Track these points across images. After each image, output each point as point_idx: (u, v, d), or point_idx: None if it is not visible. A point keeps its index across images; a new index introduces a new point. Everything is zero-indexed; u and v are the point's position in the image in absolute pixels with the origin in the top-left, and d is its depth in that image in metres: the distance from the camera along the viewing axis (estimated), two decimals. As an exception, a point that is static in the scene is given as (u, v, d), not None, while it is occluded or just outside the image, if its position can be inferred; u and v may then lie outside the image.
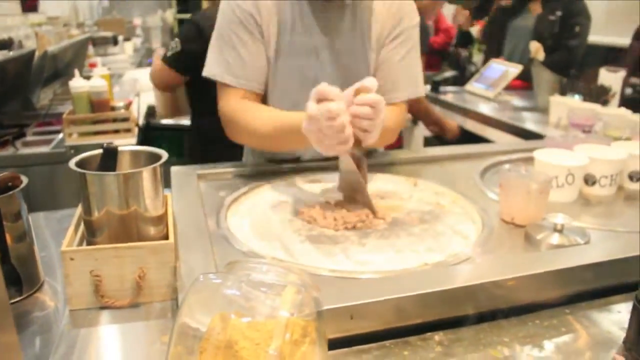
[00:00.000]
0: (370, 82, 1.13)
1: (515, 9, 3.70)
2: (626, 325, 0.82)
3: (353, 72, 1.41)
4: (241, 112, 1.37)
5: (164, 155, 1.04)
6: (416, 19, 1.46)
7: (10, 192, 0.96)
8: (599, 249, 1.04)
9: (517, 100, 3.15)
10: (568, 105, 2.38)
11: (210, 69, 1.40)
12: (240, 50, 1.37)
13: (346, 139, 1.10)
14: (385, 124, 1.19)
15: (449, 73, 3.77)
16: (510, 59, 3.59)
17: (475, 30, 4.24)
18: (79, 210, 1.06)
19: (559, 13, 3.33)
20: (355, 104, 1.11)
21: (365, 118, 1.11)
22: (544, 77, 2.88)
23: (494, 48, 3.87)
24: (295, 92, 1.39)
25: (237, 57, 1.37)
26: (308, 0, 1.38)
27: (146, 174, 0.97)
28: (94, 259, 0.92)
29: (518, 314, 0.91)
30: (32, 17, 4.41)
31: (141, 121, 2.75)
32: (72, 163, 0.99)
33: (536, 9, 3.57)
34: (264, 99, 1.44)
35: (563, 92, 2.70)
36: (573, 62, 3.37)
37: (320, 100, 1.09)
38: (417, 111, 2.87)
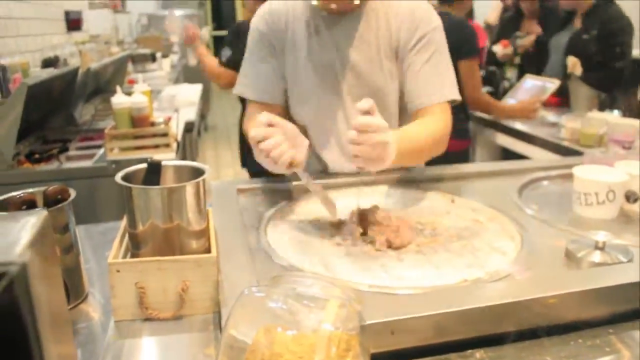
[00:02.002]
0: (362, 104, 1.11)
1: (561, 25, 3.65)
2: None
3: (370, 82, 1.45)
4: (247, 121, 1.50)
5: (207, 170, 1.07)
6: (435, 22, 1.44)
7: (60, 205, 0.99)
8: (643, 267, 1.02)
9: (553, 116, 3.11)
10: (607, 121, 2.34)
11: (236, 87, 1.54)
12: (260, 66, 1.48)
13: (274, 162, 1.16)
14: (418, 135, 1.23)
15: (485, 89, 3.73)
16: (550, 74, 3.54)
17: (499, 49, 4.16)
18: (123, 223, 1.09)
19: (594, 32, 3.27)
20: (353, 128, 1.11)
21: (352, 143, 1.11)
22: (581, 93, 2.84)
23: (532, 64, 3.81)
24: (314, 106, 1.47)
25: (257, 72, 1.49)
26: (322, 16, 1.43)
27: (189, 188, 1.00)
28: (138, 271, 0.95)
29: (560, 333, 0.90)
30: (76, 36, 4.55)
31: (180, 136, 2.81)
32: (118, 177, 1.02)
33: (577, 22, 3.52)
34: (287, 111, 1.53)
35: (602, 108, 2.66)
36: (618, 80, 3.29)
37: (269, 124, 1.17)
38: (486, 109, 3.02)
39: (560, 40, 3.56)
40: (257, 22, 1.49)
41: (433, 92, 1.42)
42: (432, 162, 1.57)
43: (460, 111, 2.58)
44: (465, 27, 2.65)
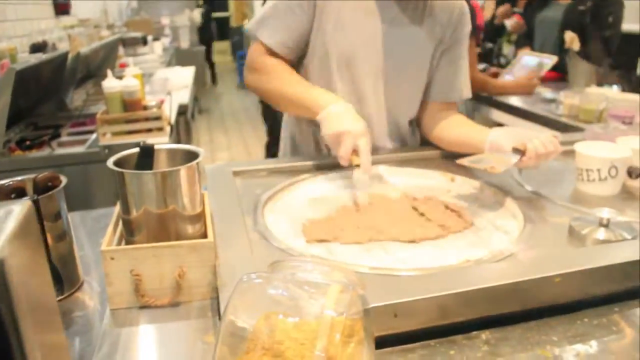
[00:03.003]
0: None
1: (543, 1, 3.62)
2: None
3: (404, 65, 1.49)
4: (272, 65, 1.44)
5: (201, 153, 1.04)
6: (470, 25, 1.54)
7: (51, 192, 0.96)
8: (648, 244, 1.00)
9: (550, 93, 3.08)
10: (606, 97, 2.32)
11: (251, 24, 1.48)
12: (286, 17, 1.42)
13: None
14: None
15: (481, 65, 3.71)
16: (541, 51, 3.51)
17: (511, 22, 4.13)
18: (117, 209, 1.06)
19: (589, 3, 3.24)
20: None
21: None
22: (580, 68, 2.81)
23: (525, 40, 3.79)
24: (336, 68, 1.46)
25: (281, 21, 1.43)
26: None
27: (184, 172, 0.97)
28: (133, 258, 0.92)
29: (565, 312, 0.89)
30: (65, 20, 4.48)
31: (173, 119, 2.77)
32: (110, 162, 0.99)
33: None
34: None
35: (600, 83, 2.63)
36: (609, 52, 3.28)
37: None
38: (482, 87, 3.02)
39: (546, 15, 3.54)
40: None
41: (459, 89, 1.56)
42: (428, 143, 1.61)
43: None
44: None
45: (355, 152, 1.27)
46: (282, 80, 1.42)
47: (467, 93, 1.58)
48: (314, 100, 1.33)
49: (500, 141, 1.30)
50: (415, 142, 1.67)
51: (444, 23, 1.48)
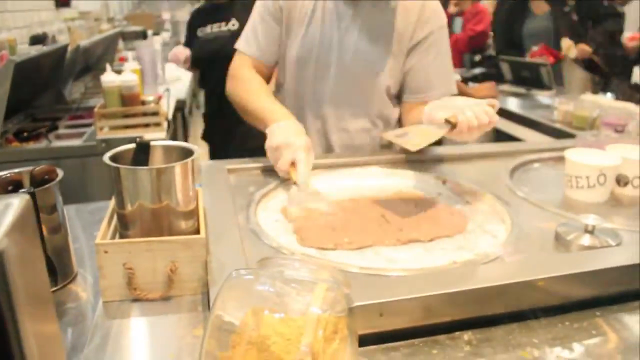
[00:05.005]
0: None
1: (518, 13, 3.66)
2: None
3: (362, 70, 1.49)
4: (246, 77, 1.54)
5: (196, 150, 1.06)
6: (443, 19, 1.51)
7: (47, 185, 0.98)
8: (631, 251, 1.02)
9: (547, 99, 3.11)
10: (600, 104, 2.34)
11: (238, 42, 1.60)
12: (259, 26, 1.54)
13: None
14: None
15: (478, 70, 3.74)
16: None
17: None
18: (112, 203, 1.07)
19: (571, 2, 3.29)
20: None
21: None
22: (575, 75, 2.84)
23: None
24: (307, 77, 1.52)
25: (256, 32, 1.55)
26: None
27: (178, 168, 0.98)
28: (126, 252, 0.94)
29: (548, 315, 0.91)
30: (65, 12, 4.48)
31: (170, 115, 2.78)
32: (106, 157, 1.01)
33: (538, 7, 3.52)
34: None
35: (595, 91, 2.66)
36: (611, 40, 3.29)
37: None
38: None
39: (530, 27, 3.58)
40: None
41: (442, 86, 1.51)
42: None
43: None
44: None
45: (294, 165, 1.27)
46: (249, 92, 1.50)
47: (447, 90, 1.51)
48: (269, 114, 1.39)
49: (434, 112, 1.27)
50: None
51: (412, 21, 1.46)
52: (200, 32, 2.76)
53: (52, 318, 0.50)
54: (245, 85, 1.52)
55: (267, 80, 1.62)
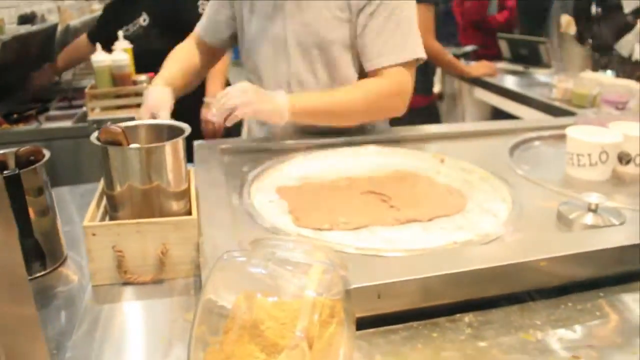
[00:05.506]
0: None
1: None
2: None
3: (316, 33, 1.42)
4: (179, 46, 1.64)
5: (187, 129, 1.02)
6: None
7: (32, 167, 0.95)
8: (635, 230, 0.99)
9: (545, 77, 3.07)
10: (600, 82, 2.31)
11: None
12: (208, 7, 1.62)
13: None
14: (373, 95, 1.36)
15: (469, 47, 3.69)
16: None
17: None
18: (101, 185, 1.05)
19: None
20: None
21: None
22: (575, 52, 2.80)
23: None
24: (262, 50, 1.49)
25: (206, 12, 1.63)
26: None
27: (169, 148, 0.95)
28: (116, 235, 0.91)
29: (550, 296, 0.88)
30: (55, -9, 4.39)
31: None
32: (93, 137, 0.98)
33: None
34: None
35: (595, 68, 2.62)
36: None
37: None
38: (445, 66, 3.16)
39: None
40: None
41: (387, 54, 1.39)
42: (396, 121, 1.57)
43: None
44: None
45: None
46: (166, 60, 1.58)
47: (412, 54, 1.40)
48: (155, 78, 1.48)
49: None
50: None
51: None
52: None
53: (29, 300, 0.48)
54: (170, 54, 1.61)
55: (213, 60, 1.70)
